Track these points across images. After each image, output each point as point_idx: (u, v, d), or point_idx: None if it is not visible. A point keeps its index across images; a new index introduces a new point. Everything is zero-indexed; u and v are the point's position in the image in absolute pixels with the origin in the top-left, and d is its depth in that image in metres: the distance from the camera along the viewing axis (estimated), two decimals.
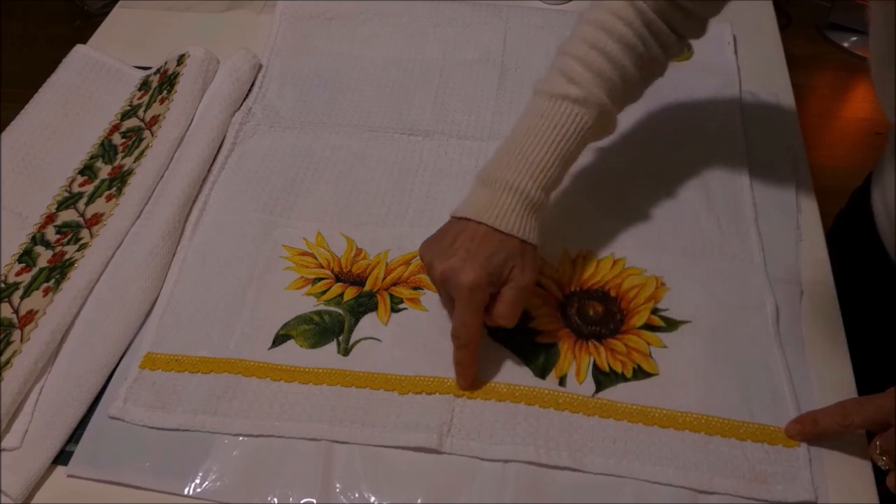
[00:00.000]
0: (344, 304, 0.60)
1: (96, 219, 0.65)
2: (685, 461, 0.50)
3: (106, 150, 0.71)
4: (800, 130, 0.71)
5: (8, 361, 0.55)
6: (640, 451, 0.51)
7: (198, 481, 0.50)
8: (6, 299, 0.60)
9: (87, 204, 0.67)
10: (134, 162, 0.69)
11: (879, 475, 0.49)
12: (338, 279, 0.61)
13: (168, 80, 0.75)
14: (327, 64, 0.80)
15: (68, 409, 0.54)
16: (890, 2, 0.41)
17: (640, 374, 0.54)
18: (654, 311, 0.58)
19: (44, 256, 0.63)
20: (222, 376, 0.55)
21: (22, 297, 0.60)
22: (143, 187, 0.66)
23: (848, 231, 0.63)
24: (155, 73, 0.77)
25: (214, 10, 0.88)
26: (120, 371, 0.57)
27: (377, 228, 0.65)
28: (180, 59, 0.75)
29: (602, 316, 0.58)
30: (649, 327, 0.57)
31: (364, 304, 0.60)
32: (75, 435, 0.53)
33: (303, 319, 0.59)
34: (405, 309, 0.59)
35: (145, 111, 0.74)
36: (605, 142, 0.70)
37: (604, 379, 0.54)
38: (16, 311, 0.59)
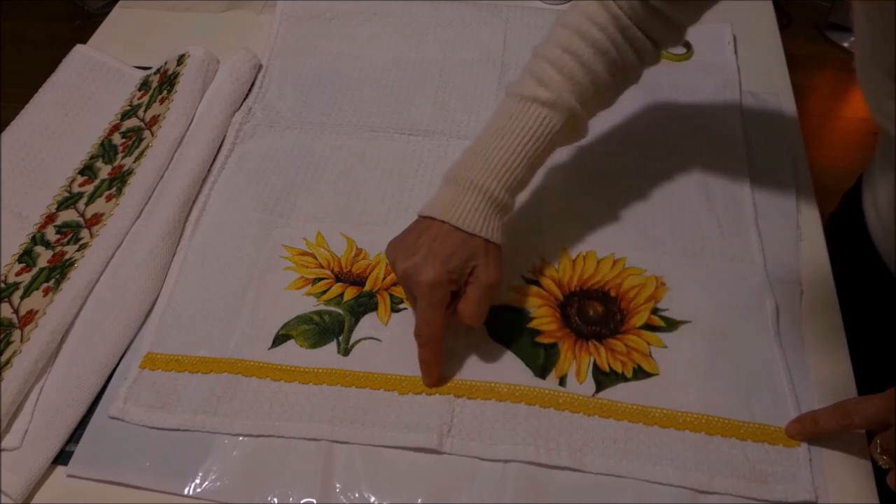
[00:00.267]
0: (344, 304, 0.60)
1: (96, 219, 0.65)
2: (685, 461, 0.50)
3: (106, 150, 0.71)
4: (800, 130, 0.71)
5: (8, 361, 0.55)
6: (641, 451, 0.51)
7: (198, 481, 0.50)
8: (6, 299, 0.60)
9: (87, 204, 0.67)
10: (134, 162, 0.69)
11: (879, 475, 0.49)
12: (338, 279, 0.61)
13: (168, 80, 0.75)
14: (327, 64, 0.80)
15: (68, 409, 0.54)
16: (872, 1, 0.41)
17: (640, 374, 0.54)
18: (654, 311, 0.58)
19: (44, 256, 0.63)
20: (222, 376, 0.55)
21: (22, 297, 0.60)
22: (143, 187, 0.66)
23: (841, 231, 0.63)
24: (155, 73, 0.77)
25: (214, 10, 0.88)
26: (120, 371, 0.57)
27: (377, 228, 0.65)
28: (180, 59, 0.75)
29: (602, 316, 0.58)
30: (649, 327, 0.57)
31: (364, 304, 0.60)
32: (75, 435, 0.53)
33: (303, 319, 0.59)
34: (405, 309, 0.59)
35: (145, 111, 0.74)
36: (605, 142, 0.70)
37: (604, 379, 0.54)
38: (16, 311, 0.59)
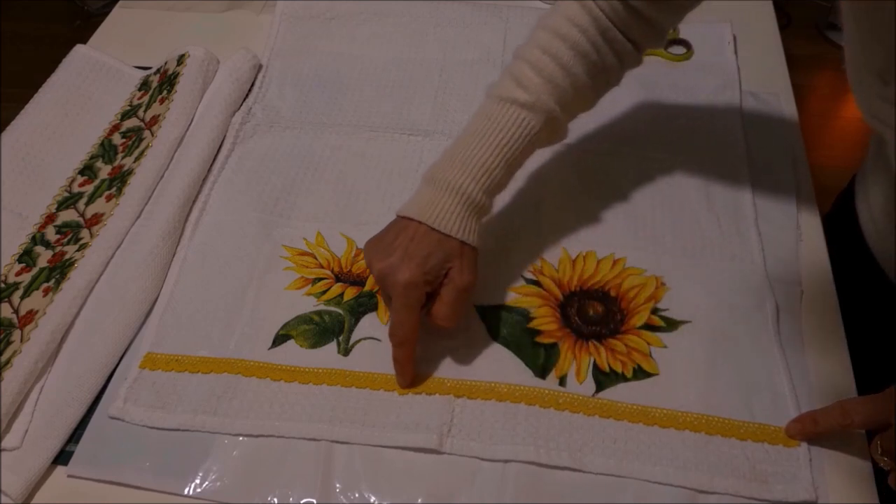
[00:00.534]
0: (344, 304, 0.60)
1: (96, 219, 0.65)
2: (685, 461, 0.50)
3: (106, 150, 0.71)
4: (800, 130, 0.71)
5: (8, 361, 0.55)
6: (641, 451, 0.51)
7: (198, 481, 0.50)
8: (6, 299, 0.60)
9: (87, 204, 0.67)
10: (134, 162, 0.69)
11: (879, 475, 0.49)
12: (338, 279, 0.61)
13: (168, 80, 0.75)
14: (327, 64, 0.80)
15: (68, 409, 0.54)
16: (860, 1, 0.40)
17: (640, 374, 0.54)
18: (654, 311, 0.58)
19: (44, 256, 0.63)
20: (222, 376, 0.55)
21: (22, 297, 0.60)
22: (143, 187, 0.66)
23: (835, 232, 0.63)
24: (155, 73, 0.77)
25: (214, 10, 0.88)
26: (120, 371, 0.57)
27: (377, 228, 0.64)
28: (180, 59, 0.75)
29: (602, 316, 0.58)
30: (649, 327, 0.57)
31: (364, 304, 0.60)
32: (75, 435, 0.53)
33: (303, 319, 0.59)
34: None
35: (145, 111, 0.74)
36: (605, 141, 0.70)
37: (604, 379, 0.54)
38: (16, 311, 0.59)
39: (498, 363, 0.55)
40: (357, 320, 0.59)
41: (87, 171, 0.70)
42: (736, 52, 0.78)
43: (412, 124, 0.73)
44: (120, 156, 0.70)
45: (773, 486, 0.49)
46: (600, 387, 0.54)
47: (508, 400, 0.53)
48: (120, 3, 0.90)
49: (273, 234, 0.64)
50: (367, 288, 0.61)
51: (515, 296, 0.59)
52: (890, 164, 0.53)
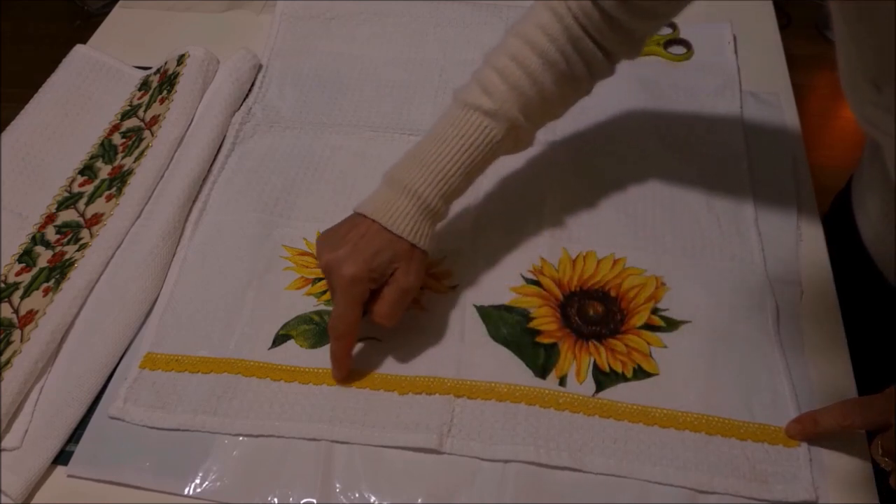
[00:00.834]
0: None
1: (96, 219, 0.65)
2: (685, 461, 0.50)
3: (106, 150, 0.71)
4: (800, 130, 0.71)
5: (8, 361, 0.55)
6: (641, 451, 0.51)
7: (198, 481, 0.50)
8: (6, 299, 0.60)
9: (87, 204, 0.67)
10: (134, 162, 0.69)
11: (879, 475, 0.49)
12: None
13: (168, 80, 0.75)
14: (327, 64, 0.80)
15: (68, 409, 0.54)
16: (848, 1, 0.40)
17: (640, 374, 0.54)
18: (655, 311, 0.58)
19: (44, 256, 0.63)
20: (222, 376, 0.55)
21: (22, 297, 0.60)
22: (143, 187, 0.66)
23: (833, 233, 0.63)
24: (155, 73, 0.77)
25: (214, 10, 0.88)
26: (120, 371, 0.57)
27: None
28: (180, 59, 0.75)
29: (602, 316, 0.58)
30: (649, 327, 0.57)
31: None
32: (75, 435, 0.53)
33: (303, 319, 0.59)
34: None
35: (145, 111, 0.74)
36: (605, 141, 0.70)
37: (604, 379, 0.54)
38: (16, 311, 0.59)
39: (498, 363, 0.55)
40: None
41: (87, 171, 0.70)
42: (736, 52, 0.78)
43: (412, 124, 0.73)
44: (120, 156, 0.70)
45: (773, 486, 0.49)
46: (600, 387, 0.54)
47: (508, 400, 0.53)
48: (120, 3, 0.90)
49: (273, 234, 0.64)
50: None
51: (515, 296, 0.59)
52: (885, 168, 0.53)
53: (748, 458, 0.50)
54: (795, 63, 0.78)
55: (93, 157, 0.71)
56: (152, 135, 0.71)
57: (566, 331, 0.57)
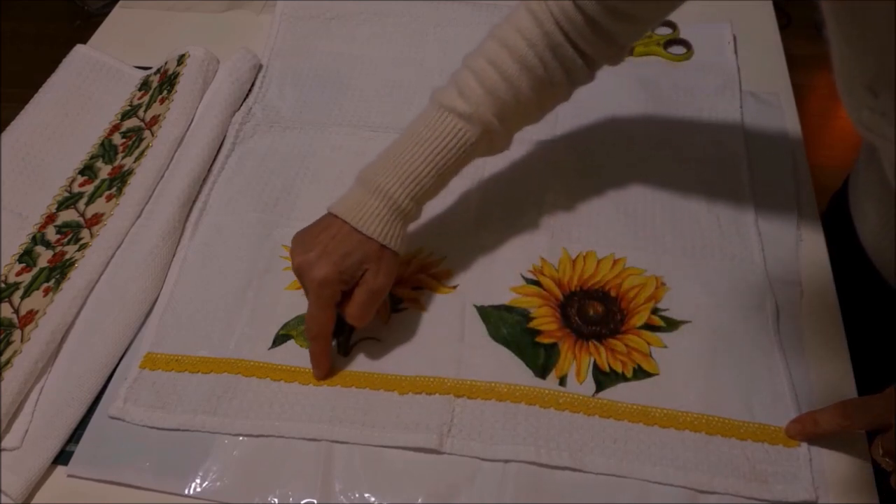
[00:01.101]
0: None
1: (96, 219, 0.65)
2: (685, 461, 0.50)
3: (106, 150, 0.71)
4: (800, 130, 0.71)
5: (8, 361, 0.55)
6: (641, 451, 0.51)
7: (198, 481, 0.50)
8: (6, 299, 0.60)
9: (87, 204, 0.67)
10: (134, 162, 0.69)
11: (880, 475, 0.49)
12: None
13: (168, 80, 0.75)
14: (327, 64, 0.80)
15: (68, 409, 0.54)
16: (843, 4, 0.40)
17: (640, 374, 0.54)
18: (655, 311, 0.58)
19: (44, 256, 0.63)
20: (222, 376, 0.55)
21: (22, 297, 0.60)
22: (143, 187, 0.66)
23: (831, 231, 0.63)
24: (155, 73, 0.77)
25: (214, 10, 0.88)
26: (120, 371, 0.57)
27: None
28: (180, 59, 0.75)
29: (602, 316, 0.58)
30: (649, 327, 0.57)
31: None
32: (75, 435, 0.53)
33: (303, 319, 0.58)
34: (405, 309, 0.59)
35: (145, 111, 0.74)
36: (605, 141, 0.70)
37: (604, 379, 0.54)
38: (16, 311, 0.59)
39: (498, 363, 0.55)
40: None
41: (88, 171, 0.70)
42: (736, 52, 0.78)
43: None
44: (120, 156, 0.70)
45: (773, 486, 0.49)
46: (600, 387, 0.54)
47: (508, 400, 0.53)
48: (120, 3, 0.90)
49: (273, 234, 0.64)
50: None
51: (515, 296, 0.59)
52: (882, 170, 0.53)
53: (748, 458, 0.50)
54: (795, 63, 0.78)
55: (93, 157, 0.71)
56: (152, 135, 0.71)
57: (566, 331, 0.57)
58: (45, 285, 0.60)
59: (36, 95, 0.75)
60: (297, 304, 0.60)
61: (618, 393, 0.54)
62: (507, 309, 0.59)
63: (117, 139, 0.72)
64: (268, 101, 0.76)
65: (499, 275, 0.61)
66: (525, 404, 0.53)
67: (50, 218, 0.66)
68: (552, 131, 0.71)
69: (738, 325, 0.57)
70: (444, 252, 0.62)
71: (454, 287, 0.60)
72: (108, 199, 0.66)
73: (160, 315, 0.60)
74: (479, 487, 0.50)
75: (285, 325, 0.58)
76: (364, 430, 0.52)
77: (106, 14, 0.89)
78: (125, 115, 0.74)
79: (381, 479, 0.50)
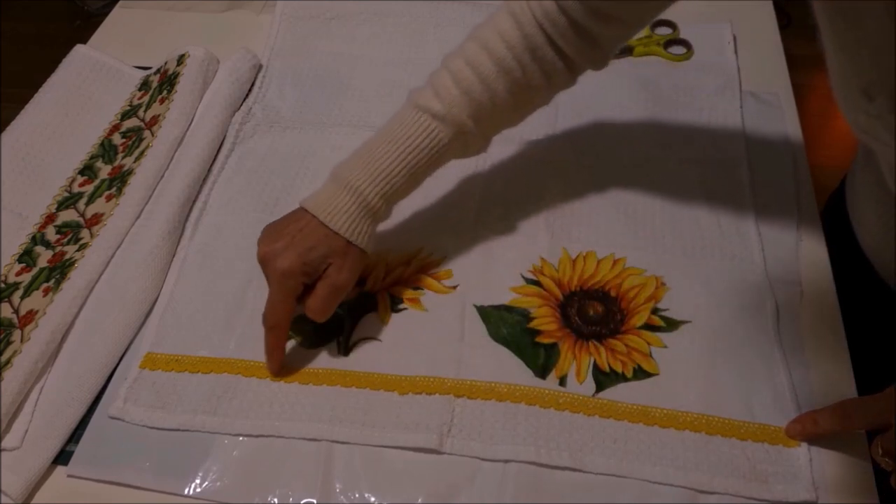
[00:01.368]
0: (344, 304, 0.59)
1: (96, 219, 0.65)
2: (685, 461, 0.50)
3: (106, 150, 0.71)
4: (800, 130, 0.71)
5: (8, 361, 0.55)
6: (641, 451, 0.51)
7: (198, 481, 0.50)
8: (6, 299, 0.60)
9: (87, 204, 0.67)
10: (134, 162, 0.69)
11: (880, 475, 0.49)
12: None
13: (168, 80, 0.75)
14: (327, 64, 0.80)
15: (68, 409, 0.54)
16: (833, 2, 0.39)
17: (640, 374, 0.54)
18: (655, 311, 0.58)
19: (44, 256, 0.63)
20: (222, 376, 0.55)
21: (22, 297, 0.60)
22: (143, 187, 0.66)
23: (830, 230, 0.63)
24: (155, 73, 0.77)
25: (214, 10, 0.88)
26: (120, 371, 0.57)
27: (377, 228, 0.64)
28: (180, 59, 0.75)
29: (602, 316, 0.58)
30: (649, 327, 0.57)
31: (364, 304, 0.59)
32: (75, 435, 0.53)
33: (302, 319, 0.58)
34: (405, 309, 0.59)
35: (145, 111, 0.74)
36: (605, 141, 0.70)
37: (604, 379, 0.54)
38: (16, 311, 0.59)
39: (498, 363, 0.55)
40: (357, 320, 0.59)
41: (88, 171, 0.70)
42: (736, 52, 0.78)
43: None
44: (120, 156, 0.70)
45: (773, 486, 0.49)
46: (600, 387, 0.54)
47: (508, 400, 0.53)
48: (120, 3, 0.90)
49: None
50: (367, 288, 0.61)
51: (515, 296, 0.59)
52: (879, 172, 0.53)
53: (748, 458, 0.50)
54: (795, 63, 0.77)
55: (93, 157, 0.71)
56: (152, 135, 0.71)
57: (566, 331, 0.57)
58: (45, 285, 0.60)
59: (36, 95, 0.75)
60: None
61: (618, 393, 0.54)
62: (507, 309, 0.59)
63: (117, 139, 0.72)
64: (268, 101, 0.76)
65: (499, 275, 0.61)
66: (525, 404, 0.53)
67: (50, 218, 0.66)
68: (552, 131, 0.71)
69: (738, 325, 0.57)
70: (444, 252, 0.62)
71: (454, 287, 0.60)
72: (108, 199, 0.66)
73: (160, 315, 0.60)
74: (479, 487, 0.50)
75: None
76: (364, 430, 0.52)
77: (106, 14, 0.89)
78: (125, 115, 0.74)
79: (381, 479, 0.50)
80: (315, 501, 0.49)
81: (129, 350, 0.58)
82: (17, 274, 0.62)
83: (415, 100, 0.54)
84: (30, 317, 0.58)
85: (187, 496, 0.50)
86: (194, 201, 0.67)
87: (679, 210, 0.65)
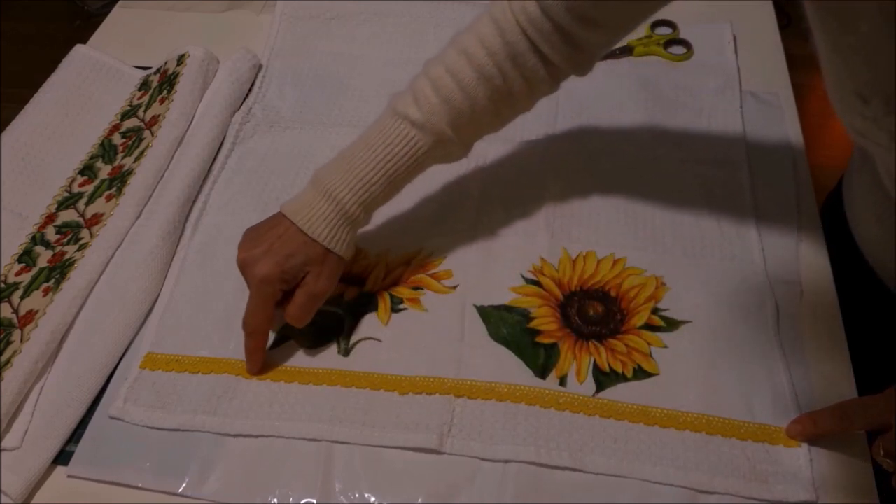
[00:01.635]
0: (344, 304, 0.59)
1: (96, 219, 0.65)
2: (686, 461, 0.50)
3: (106, 150, 0.71)
4: (800, 130, 0.71)
5: (8, 361, 0.55)
6: (641, 451, 0.51)
7: (198, 481, 0.50)
8: (6, 299, 0.60)
9: (87, 204, 0.67)
10: (134, 162, 0.69)
11: (879, 475, 0.49)
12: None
13: (168, 80, 0.75)
14: (327, 64, 0.80)
15: (68, 409, 0.54)
16: (826, 2, 0.39)
17: (640, 374, 0.54)
18: (655, 311, 0.58)
19: (44, 256, 0.63)
20: (222, 376, 0.55)
21: (22, 297, 0.60)
22: (143, 187, 0.66)
23: (828, 230, 0.63)
24: (155, 73, 0.77)
25: (214, 10, 0.88)
26: (120, 371, 0.57)
27: (375, 228, 0.64)
28: (180, 59, 0.75)
29: (602, 316, 0.58)
30: (650, 327, 0.57)
31: (364, 304, 0.59)
32: (75, 435, 0.53)
33: None
34: (405, 309, 0.59)
35: (145, 111, 0.74)
36: (605, 141, 0.70)
37: (604, 379, 0.54)
38: (16, 311, 0.59)
39: (498, 363, 0.55)
40: (357, 320, 0.59)
41: (87, 171, 0.70)
42: (736, 52, 0.78)
43: None
44: (120, 156, 0.70)
45: (773, 486, 0.49)
46: (600, 387, 0.54)
47: (509, 400, 0.53)
48: (120, 3, 0.90)
49: None
50: (367, 288, 0.61)
51: (515, 296, 0.59)
52: (876, 174, 0.53)
53: (748, 458, 0.50)
54: (795, 63, 0.77)
55: (93, 157, 0.71)
56: (152, 135, 0.71)
57: (566, 331, 0.57)
58: (45, 285, 0.60)
59: (36, 95, 0.75)
60: None
61: (618, 393, 0.54)
62: (507, 309, 0.59)
63: (117, 139, 0.72)
64: (268, 101, 0.76)
65: (499, 275, 0.61)
66: (525, 404, 0.53)
67: (50, 218, 0.66)
68: (552, 131, 0.71)
69: (738, 325, 0.57)
70: (444, 252, 0.62)
71: (454, 287, 0.60)
72: (108, 199, 0.66)
73: (160, 315, 0.60)
74: (479, 487, 0.50)
75: (285, 326, 0.58)
76: (364, 430, 0.52)
77: (106, 14, 0.89)
78: (125, 115, 0.74)
79: (381, 479, 0.50)
80: (315, 501, 0.49)
81: (129, 350, 0.58)
82: (17, 274, 0.62)
83: (394, 106, 0.53)
84: (30, 317, 0.58)
85: (187, 496, 0.50)
86: (194, 201, 0.67)
87: (679, 210, 0.64)
